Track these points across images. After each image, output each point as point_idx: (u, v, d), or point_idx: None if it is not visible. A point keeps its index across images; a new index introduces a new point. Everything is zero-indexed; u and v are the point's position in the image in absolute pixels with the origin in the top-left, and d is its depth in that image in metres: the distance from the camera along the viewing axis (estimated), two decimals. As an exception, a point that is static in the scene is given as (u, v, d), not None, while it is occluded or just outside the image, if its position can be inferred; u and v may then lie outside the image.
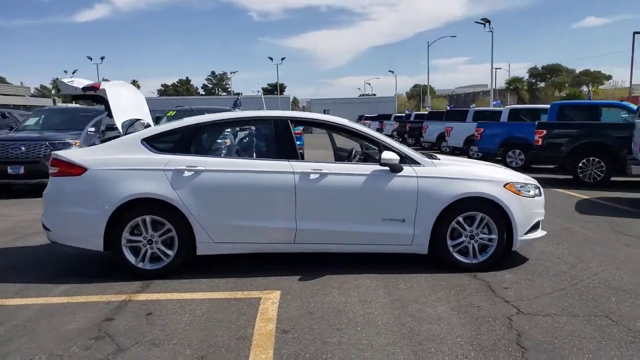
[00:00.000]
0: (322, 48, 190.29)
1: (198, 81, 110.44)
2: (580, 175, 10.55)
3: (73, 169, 4.68)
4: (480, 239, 4.87)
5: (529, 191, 5.00)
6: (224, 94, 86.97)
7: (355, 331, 3.55)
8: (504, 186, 4.88)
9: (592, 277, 4.67)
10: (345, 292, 4.33)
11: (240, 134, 5.38)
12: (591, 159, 10.51)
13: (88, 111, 11.78)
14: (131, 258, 4.69)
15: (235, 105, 12.51)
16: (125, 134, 5.12)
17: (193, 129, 4.90)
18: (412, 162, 4.87)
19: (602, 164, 10.43)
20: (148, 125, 5.49)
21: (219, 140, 5.28)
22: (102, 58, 54.87)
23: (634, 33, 40.54)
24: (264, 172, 4.72)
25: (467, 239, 4.86)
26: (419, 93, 73.32)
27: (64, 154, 4.82)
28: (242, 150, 5.22)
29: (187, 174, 4.66)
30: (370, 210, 4.78)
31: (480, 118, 18.37)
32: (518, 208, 4.85)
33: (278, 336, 3.48)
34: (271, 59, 57.27)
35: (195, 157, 4.76)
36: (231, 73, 76.68)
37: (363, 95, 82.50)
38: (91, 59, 55.07)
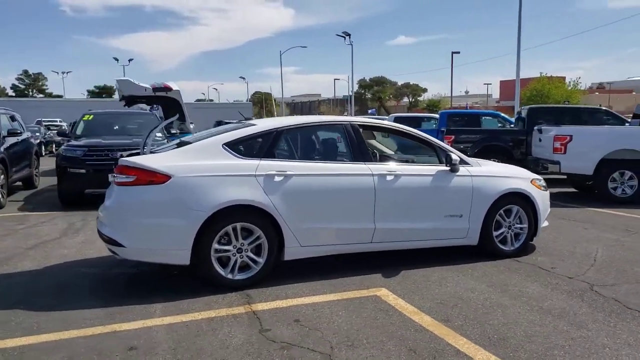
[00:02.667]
0: (151, 51, 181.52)
1: (6, 81, 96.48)
2: (483, 175, 12.19)
3: (155, 177, 4.29)
4: (515, 228, 5.62)
5: (543, 186, 5.91)
6: (41, 95, 77.84)
7: (502, 312, 3.98)
8: (530, 182, 5.71)
9: (598, 254, 5.71)
10: (441, 283, 4.70)
11: (316, 138, 5.36)
12: (492, 160, 12.20)
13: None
14: (220, 269, 4.45)
15: (152, 109, 11.77)
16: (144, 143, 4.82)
17: (274, 133, 4.82)
18: (464, 162, 5.43)
19: (500, 164, 12.21)
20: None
21: (299, 144, 5.22)
22: None
23: (452, 52, 46.79)
24: (347, 175, 4.87)
25: (506, 229, 5.58)
26: (260, 100, 74.54)
27: (140, 160, 4.38)
28: (319, 154, 5.22)
29: (277, 179, 4.59)
30: (436, 208, 5.22)
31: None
32: (540, 200, 5.72)
33: (448, 324, 3.74)
34: (116, 59, 52.27)
35: (282, 162, 4.70)
36: (64, 73, 68.69)
37: (199, 100, 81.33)
38: None
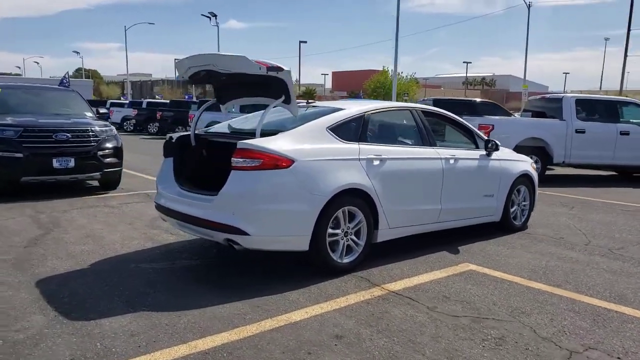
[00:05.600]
0: None
1: None
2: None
3: (279, 161, 4.08)
4: (522, 205, 6.46)
5: (535, 168, 6.85)
6: None
7: (585, 274, 4.68)
8: (530, 165, 6.60)
9: (576, 226, 6.85)
10: (504, 255, 5.26)
11: (393, 122, 5.39)
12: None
13: None
14: (331, 253, 4.42)
15: (62, 83, 10.31)
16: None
17: (363, 118, 4.84)
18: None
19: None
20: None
21: (382, 128, 5.21)
22: None
23: (300, 42, 48.40)
24: (425, 159, 5.15)
25: (517, 206, 6.38)
26: (87, 78, 67.86)
27: (264, 144, 4.09)
28: (397, 138, 5.29)
29: (375, 162, 4.67)
30: (478, 188, 5.78)
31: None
32: (536, 180, 6.65)
33: (562, 287, 4.31)
34: None
35: (376, 146, 4.78)
36: None
37: (4, 74, 71.39)
38: None
